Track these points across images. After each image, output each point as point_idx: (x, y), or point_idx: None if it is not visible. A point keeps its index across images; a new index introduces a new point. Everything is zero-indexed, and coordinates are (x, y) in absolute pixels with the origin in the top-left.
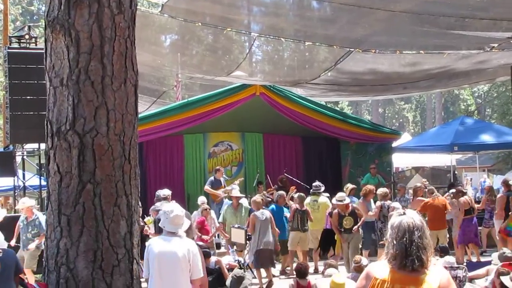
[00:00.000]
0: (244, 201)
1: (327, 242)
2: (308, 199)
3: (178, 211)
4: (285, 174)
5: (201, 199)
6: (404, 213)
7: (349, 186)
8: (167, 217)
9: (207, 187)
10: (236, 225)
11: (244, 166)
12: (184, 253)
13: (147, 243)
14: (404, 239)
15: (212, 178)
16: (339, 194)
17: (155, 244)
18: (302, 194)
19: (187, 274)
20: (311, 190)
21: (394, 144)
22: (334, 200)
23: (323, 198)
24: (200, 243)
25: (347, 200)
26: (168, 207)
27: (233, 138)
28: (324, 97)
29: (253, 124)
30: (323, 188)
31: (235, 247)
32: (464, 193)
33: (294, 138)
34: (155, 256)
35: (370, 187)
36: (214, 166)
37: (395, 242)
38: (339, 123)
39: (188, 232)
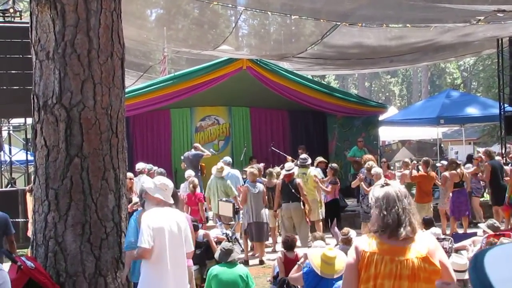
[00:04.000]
0: (228, 170)
1: (331, 214)
2: (296, 170)
3: (169, 183)
4: (272, 147)
5: (188, 173)
6: (387, 184)
7: (318, 158)
8: (155, 186)
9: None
10: (224, 199)
11: (231, 140)
12: (184, 226)
13: (142, 214)
14: (396, 207)
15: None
16: (288, 164)
17: (157, 215)
18: (271, 169)
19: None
20: (298, 163)
21: (381, 118)
22: (283, 171)
23: (313, 170)
24: (189, 216)
25: (293, 170)
26: (156, 179)
27: (220, 112)
28: (311, 71)
29: (240, 98)
30: (309, 161)
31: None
32: (457, 165)
33: (281, 112)
34: (165, 227)
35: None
36: (201, 140)
37: (385, 213)
38: (325, 97)
39: (176, 204)
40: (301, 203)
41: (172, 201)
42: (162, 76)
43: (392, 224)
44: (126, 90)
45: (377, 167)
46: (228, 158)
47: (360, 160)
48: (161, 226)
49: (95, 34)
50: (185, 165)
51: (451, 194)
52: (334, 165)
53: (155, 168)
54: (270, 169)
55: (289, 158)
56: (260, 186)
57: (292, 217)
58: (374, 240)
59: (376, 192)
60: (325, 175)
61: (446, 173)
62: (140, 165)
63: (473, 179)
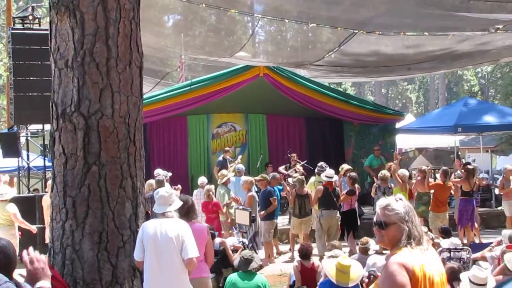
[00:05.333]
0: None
1: (348, 224)
2: (312, 179)
3: (162, 192)
4: (289, 154)
5: (201, 180)
6: (401, 199)
7: (345, 166)
8: (155, 199)
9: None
10: (241, 207)
11: (248, 147)
12: (175, 234)
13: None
14: (418, 220)
15: (220, 159)
16: (329, 171)
17: (148, 226)
18: (302, 177)
19: (181, 255)
20: (315, 171)
21: (398, 125)
22: (323, 176)
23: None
24: (205, 224)
25: (335, 178)
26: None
27: (237, 119)
28: (327, 78)
29: (256, 105)
30: (328, 169)
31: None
32: (473, 175)
33: (297, 119)
34: (150, 237)
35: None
36: (218, 147)
37: (417, 226)
38: (342, 104)
39: (186, 212)
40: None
41: (174, 214)
42: (179, 83)
43: (418, 236)
44: (144, 96)
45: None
46: (240, 166)
47: (379, 168)
48: (148, 238)
49: (114, 43)
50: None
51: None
52: (353, 174)
53: (169, 174)
54: (301, 177)
55: (298, 167)
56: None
57: (331, 226)
58: (412, 254)
59: (400, 205)
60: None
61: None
62: (159, 171)
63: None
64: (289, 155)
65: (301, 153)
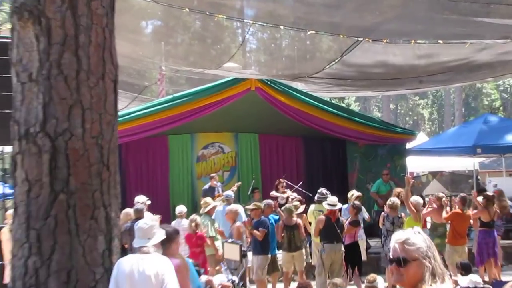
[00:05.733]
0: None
1: (351, 259)
2: (312, 208)
3: (141, 223)
4: (284, 179)
5: (180, 209)
6: (419, 232)
7: (354, 193)
8: (135, 232)
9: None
10: (230, 240)
11: (238, 171)
12: (154, 272)
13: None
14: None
15: (206, 187)
16: (332, 198)
17: (123, 263)
18: (289, 206)
19: None
20: (315, 198)
21: (408, 146)
22: (325, 204)
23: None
24: (190, 260)
25: (339, 206)
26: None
27: (225, 139)
28: (328, 93)
29: (247, 123)
30: (329, 196)
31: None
32: (493, 203)
33: (294, 139)
34: (126, 276)
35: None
36: (203, 171)
37: (439, 261)
38: (345, 122)
39: (168, 246)
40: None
41: (153, 249)
42: (159, 98)
43: (442, 274)
44: (119, 114)
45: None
46: (229, 193)
47: (388, 195)
48: (123, 276)
49: (85, 53)
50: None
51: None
52: (357, 203)
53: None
54: (289, 205)
55: (290, 193)
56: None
57: (334, 261)
58: None
59: (420, 239)
60: None
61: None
62: (140, 198)
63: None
64: (281, 180)
65: (299, 177)
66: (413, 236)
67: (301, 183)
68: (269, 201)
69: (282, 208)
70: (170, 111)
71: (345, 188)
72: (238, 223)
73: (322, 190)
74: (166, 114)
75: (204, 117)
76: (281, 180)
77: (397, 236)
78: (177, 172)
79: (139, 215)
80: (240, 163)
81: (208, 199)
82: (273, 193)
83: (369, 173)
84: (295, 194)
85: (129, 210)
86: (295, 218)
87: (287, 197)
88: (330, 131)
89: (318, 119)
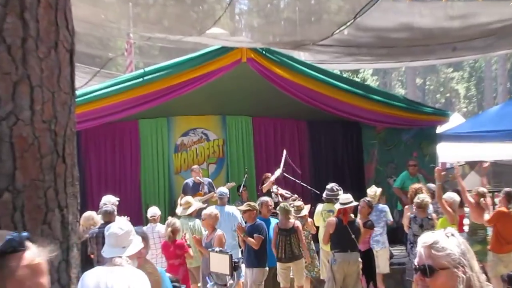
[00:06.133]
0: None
1: (365, 271)
2: (319, 207)
3: (115, 228)
4: (284, 173)
5: (152, 211)
6: (453, 234)
7: (377, 190)
8: (106, 238)
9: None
10: (217, 249)
11: (226, 163)
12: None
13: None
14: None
15: (188, 181)
16: (345, 195)
17: (88, 278)
18: (284, 205)
19: None
20: (323, 196)
21: (439, 130)
22: (337, 204)
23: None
24: (168, 274)
25: (353, 204)
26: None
27: (210, 124)
28: (339, 64)
29: (238, 103)
30: (341, 193)
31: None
32: None
33: (296, 123)
34: None
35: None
36: (184, 164)
37: (477, 272)
38: (360, 101)
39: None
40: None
41: (125, 261)
42: (127, 74)
43: (481, 286)
44: (77, 93)
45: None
46: (223, 190)
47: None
48: None
49: (33, 16)
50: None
51: None
52: (368, 199)
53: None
54: (284, 204)
55: (280, 191)
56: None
57: (348, 274)
58: None
59: (452, 243)
60: None
61: None
62: (108, 199)
63: None
64: (268, 174)
65: (303, 170)
66: (443, 239)
67: (301, 181)
68: (265, 198)
69: (278, 208)
70: (140, 89)
71: (360, 183)
72: (219, 231)
73: (332, 185)
74: (135, 93)
75: (183, 96)
76: (268, 175)
77: (424, 239)
78: (150, 165)
79: (108, 218)
80: (229, 154)
81: (190, 198)
82: (277, 189)
83: (390, 165)
84: (283, 191)
85: (92, 214)
86: (292, 220)
87: (279, 195)
88: (341, 113)
89: (326, 98)
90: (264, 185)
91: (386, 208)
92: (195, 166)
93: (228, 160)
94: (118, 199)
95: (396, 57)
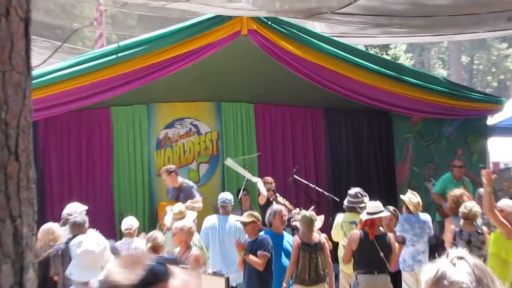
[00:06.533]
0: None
1: None
2: (339, 218)
3: (89, 244)
4: (295, 176)
5: (128, 223)
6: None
7: (413, 198)
8: (72, 256)
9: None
10: (211, 269)
11: (221, 162)
12: None
13: None
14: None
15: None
16: (373, 203)
17: None
18: (309, 214)
19: None
20: (344, 204)
21: (491, 121)
22: (364, 214)
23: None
24: None
25: (384, 214)
26: (77, 239)
27: (202, 113)
28: (363, 38)
29: (237, 87)
30: (367, 200)
31: None
32: None
33: (310, 112)
34: None
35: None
36: (167, 163)
37: None
38: (390, 85)
39: None
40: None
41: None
42: (96, 49)
43: None
44: (34, 74)
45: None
46: (227, 197)
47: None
48: None
49: None
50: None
51: None
52: (393, 208)
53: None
54: (310, 214)
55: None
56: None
57: None
58: None
59: (462, 271)
60: None
61: None
62: (75, 207)
63: None
64: (295, 177)
65: (318, 171)
66: (450, 270)
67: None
68: (278, 206)
69: (299, 216)
70: (113, 69)
71: (390, 188)
72: (195, 250)
73: (356, 191)
74: (107, 74)
75: (167, 78)
76: (268, 179)
77: (426, 275)
78: (125, 164)
79: (78, 232)
80: (226, 150)
81: (180, 206)
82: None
83: (428, 165)
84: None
85: (53, 226)
86: (317, 234)
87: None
88: (366, 99)
89: (348, 80)
90: (260, 197)
91: (429, 218)
92: (172, 166)
93: (224, 158)
94: (86, 207)
95: (437, 29)
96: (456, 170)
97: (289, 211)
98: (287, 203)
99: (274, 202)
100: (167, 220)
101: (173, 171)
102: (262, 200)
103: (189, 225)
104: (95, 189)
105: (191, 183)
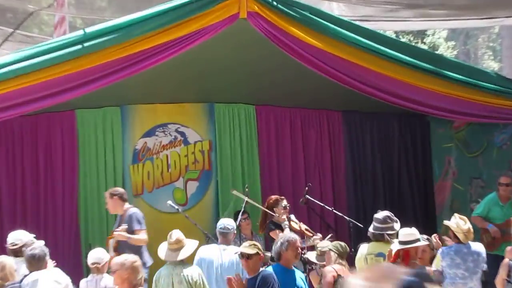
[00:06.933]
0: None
1: None
2: (363, 249)
3: (45, 284)
4: (307, 195)
5: (95, 256)
6: None
7: (462, 225)
8: None
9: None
10: None
11: (215, 178)
12: None
13: None
14: None
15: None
16: (406, 230)
17: None
18: (342, 246)
19: None
20: (370, 231)
21: None
22: (395, 244)
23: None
24: None
25: (421, 244)
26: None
27: (190, 117)
28: (393, 22)
29: (233, 85)
30: (397, 226)
31: None
32: None
33: (326, 115)
34: None
35: None
36: (146, 180)
37: None
38: (427, 81)
39: None
40: None
41: None
42: (57, 37)
43: None
44: None
45: None
46: (227, 222)
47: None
48: None
49: None
50: None
51: None
52: (426, 237)
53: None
54: (341, 246)
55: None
56: None
57: None
58: None
59: None
60: None
61: None
62: (17, 236)
63: None
64: (307, 197)
65: (337, 190)
66: None
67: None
68: (293, 236)
69: (318, 247)
70: (78, 62)
71: (428, 211)
72: None
73: (385, 214)
74: (70, 69)
75: (146, 73)
76: (274, 198)
77: None
78: (94, 182)
79: (37, 267)
80: (220, 164)
81: (179, 234)
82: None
83: (475, 181)
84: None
85: (5, 260)
86: (342, 267)
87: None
88: (397, 99)
89: (374, 75)
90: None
91: (483, 248)
92: (113, 189)
93: (218, 174)
94: (34, 235)
95: (485, 10)
96: (503, 189)
97: (306, 237)
98: (304, 227)
99: (286, 227)
100: (161, 251)
101: (117, 194)
102: (275, 235)
103: (131, 260)
104: (56, 213)
105: (138, 213)
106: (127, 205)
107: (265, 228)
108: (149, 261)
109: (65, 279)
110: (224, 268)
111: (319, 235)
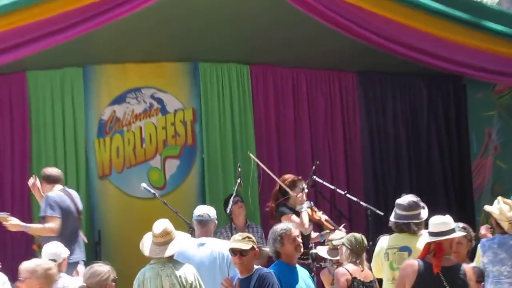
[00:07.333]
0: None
1: None
2: (383, 242)
3: None
4: (314, 176)
5: (50, 252)
6: None
7: (507, 211)
8: None
9: None
10: None
11: (200, 156)
12: None
13: None
14: None
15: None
16: (438, 219)
17: None
18: (356, 236)
19: None
20: (391, 220)
21: None
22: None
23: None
24: None
25: (456, 235)
26: None
27: (169, 79)
28: None
29: (223, 39)
30: (426, 213)
31: None
32: None
33: (338, 76)
34: None
35: None
36: (115, 158)
37: None
38: (463, 34)
39: None
40: None
41: None
42: None
43: None
44: None
45: None
46: (206, 211)
47: None
48: None
49: None
50: None
51: None
52: (462, 226)
53: None
54: (354, 235)
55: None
56: None
57: None
58: None
59: None
60: None
61: None
62: None
63: None
64: (314, 178)
65: (351, 169)
66: None
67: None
68: (283, 226)
69: (330, 239)
70: (28, 13)
71: (464, 194)
72: None
73: (409, 199)
74: (19, 20)
75: (115, 25)
76: (288, 177)
77: None
78: (50, 159)
79: None
80: (206, 137)
81: (167, 225)
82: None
83: None
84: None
85: None
86: (365, 267)
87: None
88: (426, 57)
89: (396, 27)
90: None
91: None
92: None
93: (204, 150)
94: None
95: None
96: None
97: (326, 231)
98: (324, 218)
99: (304, 211)
100: (145, 246)
101: (43, 176)
102: (303, 227)
103: (44, 266)
104: (3, 196)
105: (54, 196)
106: (57, 187)
107: (276, 213)
108: (81, 257)
109: (2, 278)
110: (205, 267)
111: (343, 229)
